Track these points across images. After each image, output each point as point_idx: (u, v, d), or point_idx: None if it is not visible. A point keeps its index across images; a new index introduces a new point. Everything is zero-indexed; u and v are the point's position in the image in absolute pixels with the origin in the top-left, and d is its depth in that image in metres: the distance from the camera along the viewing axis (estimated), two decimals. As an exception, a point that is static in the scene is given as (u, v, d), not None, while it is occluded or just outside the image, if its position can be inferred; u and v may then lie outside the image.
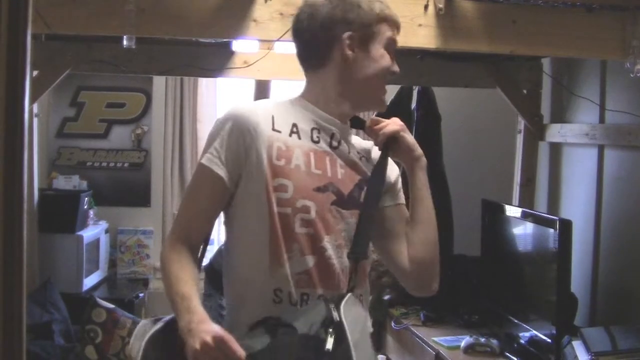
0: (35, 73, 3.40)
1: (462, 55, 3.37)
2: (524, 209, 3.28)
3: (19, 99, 0.94)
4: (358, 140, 1.69)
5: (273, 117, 1.55)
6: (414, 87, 3.93)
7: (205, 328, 1.38)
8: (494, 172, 4.28)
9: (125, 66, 3.53)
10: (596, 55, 2.89)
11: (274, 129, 1.54)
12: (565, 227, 2.72)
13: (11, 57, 0.92)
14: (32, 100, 3.36)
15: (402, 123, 1.64)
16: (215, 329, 1.38)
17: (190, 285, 1.47)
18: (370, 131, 1.64)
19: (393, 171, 1.67)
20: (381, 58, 1.61)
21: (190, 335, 1.38)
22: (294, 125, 1.57)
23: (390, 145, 1.62)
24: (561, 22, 2.59)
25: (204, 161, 1.55)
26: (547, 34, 2.61)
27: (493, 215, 3.40)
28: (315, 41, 1.61)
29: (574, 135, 3.48)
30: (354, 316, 1.43)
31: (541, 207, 3.80)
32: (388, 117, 1.66)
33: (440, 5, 2.50)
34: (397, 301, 3.71)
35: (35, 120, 3.64)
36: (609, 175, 3.29)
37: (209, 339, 1.35)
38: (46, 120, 4.47)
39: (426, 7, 2.52)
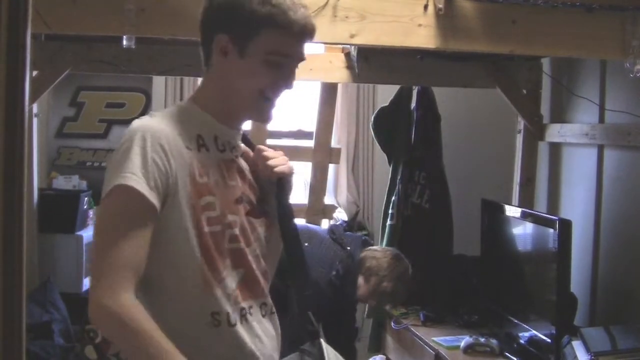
0: (35, 73, 3.39)
1: (461, 55, 3.36)
2: (524, 209, 3.28)
3: (19, 99, 0.94)
4: None
5: (180, 135, 1.43)
6: (413, 87, 3.93)
7: None
8: (494, 172, 4.27)
9: (125, 66, 3.53)
10: (596, 55, 2.89)
11: (187, 147, 1.42)
12: (565, 227, 2.73)
13: (11, 57, 0.93)
14: (32, 100, 3.36)
15: (289, 163, 1.58)
16: None
17: (165, 337, 1.32)
18: (260, 160, 1.55)
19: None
20: (259, 75, 1.45)
21: None
22: (199, 137, 1.46)
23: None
24: (561, 22, 2.58)
25: (133, 184, 1.33)
26: (547, 34, 2.61)
27: (493, 215, 3.40)
28: (201, 34, 1.48)
29: (574, 135, 3.48)
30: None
31: (541, 207, 3.79)
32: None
33: (440, 5, 2.49)
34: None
35: (35, 120, 3.64)
36: (608, 175, 3.29)
37: None
38: (46, 120, 4.46)
39: (426, 7, 2.52)
